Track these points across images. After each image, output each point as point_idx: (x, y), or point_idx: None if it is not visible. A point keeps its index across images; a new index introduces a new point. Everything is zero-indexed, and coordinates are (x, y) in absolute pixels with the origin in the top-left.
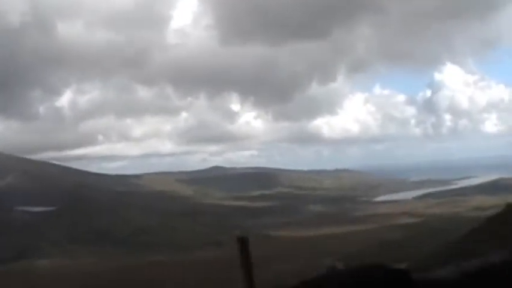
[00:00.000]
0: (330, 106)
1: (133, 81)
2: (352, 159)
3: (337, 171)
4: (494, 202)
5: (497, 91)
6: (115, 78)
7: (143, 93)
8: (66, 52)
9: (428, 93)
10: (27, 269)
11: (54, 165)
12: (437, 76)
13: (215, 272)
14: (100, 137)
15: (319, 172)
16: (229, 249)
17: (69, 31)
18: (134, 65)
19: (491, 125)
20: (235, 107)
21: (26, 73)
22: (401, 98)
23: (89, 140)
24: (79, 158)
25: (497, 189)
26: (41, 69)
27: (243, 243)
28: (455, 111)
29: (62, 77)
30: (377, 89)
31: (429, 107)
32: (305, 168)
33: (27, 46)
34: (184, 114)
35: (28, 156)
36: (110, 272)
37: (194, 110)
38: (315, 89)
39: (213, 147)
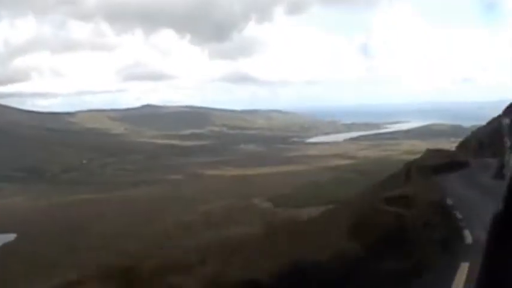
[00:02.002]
0: (265, 46)
1: (69, 17)
2: (285, 101)
3: (270, 111)
4: (425, 147)
5: (435, 34)
6: (50, 14)
7: (78, 29)
8: None
9: (364, 35)
10: None
11: None
12: (374, 18)
13: (143, 209)
14: (33, 74)
15: (252, 112)
16: (158, 187)
17: None
18: (69, 1)
19: (426, 70)
20: (171, 44)
21: None
22: (336, 40)
23: (22, 76)
24: (12, 94)
25: (428, 134)
26: None
27: None
28: (390, 55)
29: None
30: (313, 31)
31: (364, 49)
32: (238, 108)
33: None
34: (119, 52)
35: None
36: (40, 209)
37: (129, 47)
38: (251, 28)
39: (147, 85)
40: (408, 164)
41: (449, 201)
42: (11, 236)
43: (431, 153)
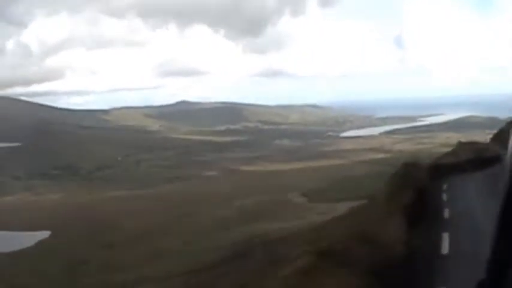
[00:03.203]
0: (299, 40)
1: (102, 14)
2: (319, 95)
3: (304, 106)
4: (461, 139)
5: (472, 24)
6: (83, 12)
7: (112, 26)
8: None
9: (398, 27)
10: None
11: (20, 100)
12: (406, 9)
13: (178, 206)
14: (68, 72)
15: (286, 107)
16: (193, 183)
17: None
18: None
19: (462, 62)
20: (205, 39)
21: None
22: (370, 32)
23: (56, 74)
24: (47, 93)
25: (463, 127)
26: (6, 2)
27: None
28: (423, 46)
29: (29, 10)
30: (346, 23)
31: (398, 41)
32: (273, 103)
33: None
34: (153, 48)
35: None
36: (74, 206)
37: (163, 43)
38: (285, 22)
39: (182, 82)
40: (407, 164)
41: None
42: (46, 233)
43: (462, 146)
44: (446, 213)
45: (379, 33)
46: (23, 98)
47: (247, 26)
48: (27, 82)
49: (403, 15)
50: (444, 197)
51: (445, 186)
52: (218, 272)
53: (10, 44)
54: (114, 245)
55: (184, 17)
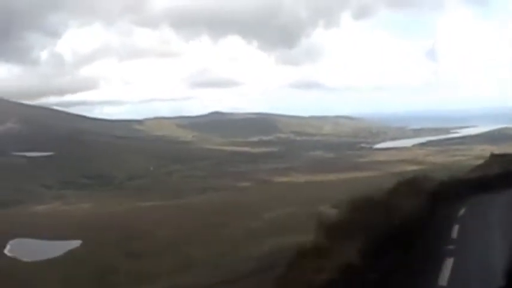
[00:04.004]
0: (332, 52)
1: (135, 25)
2: (352, 106)
3: (337, 117)
4: (496, 151)
5: (505, 36)
6: (116, 22)
7: (145, 37)
8: None
9: (431, 40)
10: (24, 215)
11: (54, 110)
12: (440, 22)
13: (208, 216)
14: (101, 82)
15: (319, 118)
16: (225, 194)
17: None
18: (135, 8)
19: (494, 74)
20: (238, 50)
21: (26, 17)
22: (403, 44)
23: (90, 84)
24: (80, 103)
25: (498, 139)
26: (41, 13)
27: None
28: (457, 59)
29: (62, 21)
30: (380, 35)
31: (431, 54)
32: (306, 114)
33: None
34: (186, 58)
35: (29, 102)
36: (106, 216)
37: (196, 54)
38: (318, 34)
39: (215, 92)
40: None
41: None
42: (77, 242)
43: (494, 158)
44: (446, 270)
45: (411, 45)
46: (56, 107)
47: (281, 37)
48: (61, 92)
49: (436, 28)
50: (454, 232)
51: (462, 212)
52: (247, 284)
53: (44, 55)
54: (144, 254)
55: (218, 28)
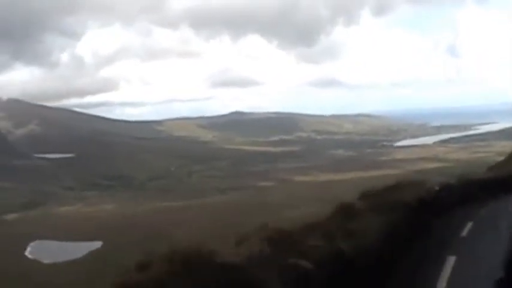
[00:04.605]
0: (352, 49)
1: (155, 25)
2: (372, 104)
3: (357, 115)
4: None
5: None
6: (136, 23)
7: (164, 37)
8: None
9: (452, 35)
10: (45, 216)
11: (75, 112)
12: (461, 17)
13: (229, 216)
14: (122, 83)
15: (339, 117)
16: (246, 193)
17: None
18: (155, 8)
19: None
20: (258, 49)
21: (45, 19)
22: (423, 40)
23: (110, 86)
24: (101, 104)
25: None
26: (60, 15)
27: None
28: (478, 55)
29: (82, 22)
30: (400, 32)
31: (452, 50)
32: (326, 113)
33: None
34: (206, 58)
35: (50, 104)
36: (127, 217)
37: (216, 53)
38: (338, 32)
39: (235, 92)
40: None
41: None
42: (98, 244)
43: None
44: None
45: (432, 41)
46: (77, 109)
47: (301, 36)
48: (82, 93)
49: (457, 23)
50: (447, 271)
51: (466, 231)
52: None
53: (65, 57)
54: None
55: (237, 28)
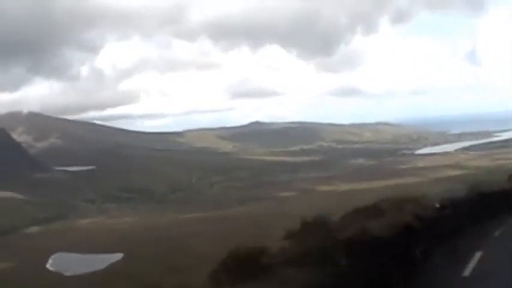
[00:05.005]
0: (371, 58)
1: (173, 37)
2: (392, 112)
3: (377, 124)
4: None
5: None
6: (155, 35)
7: (184, 49)
8: (104, 10)
9: (471, 42)
10: (67, 229)
11: (94, 124)
12: (480, 24)
13: (250, 227)
14: (142, 95)
15: (359, 125)
16: (267, 204)
17: None
18: (173, 21)
19: None
20: (278, 60)
21: (64, 33)
22: (443, 47)
23: (130, 98)
24: (121, 116)
25: None
26: (79, 28)
27: None
28: (498, 62)
29: (100, 35)
30: (419, 39)
31: (471, 57)
32: (346, 122)
33: (65, 5)
34: (225, 69)
35: (70, 117)
36: (148, 229)
37: (235, 64)
38: (357, 41)
39: (255, 102)
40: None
41: None
42: (118, 256)
43: None
44: None
45: (451, 49)
46: (97, 122)
47: (320, 45)
48: (102, 106)
49: (476, 30)
50: None
51: (476, 259)
52: None
53: (84, 70)
54: (185, 268)
55: (256, 38)
